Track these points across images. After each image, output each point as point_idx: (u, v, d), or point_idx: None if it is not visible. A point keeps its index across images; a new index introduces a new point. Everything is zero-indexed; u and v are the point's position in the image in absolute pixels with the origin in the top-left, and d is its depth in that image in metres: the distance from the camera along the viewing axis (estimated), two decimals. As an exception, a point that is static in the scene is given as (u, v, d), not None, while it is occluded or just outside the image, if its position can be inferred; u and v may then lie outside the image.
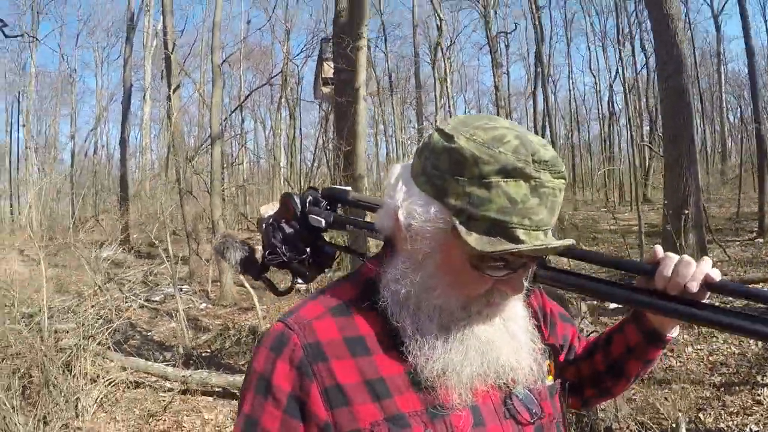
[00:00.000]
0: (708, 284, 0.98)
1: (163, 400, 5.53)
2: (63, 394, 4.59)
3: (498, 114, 30.13)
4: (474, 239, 0.89)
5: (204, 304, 10.55)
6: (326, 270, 1.45)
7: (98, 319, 5.84)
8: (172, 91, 13.98)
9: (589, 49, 37.29)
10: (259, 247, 1.46)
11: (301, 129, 29.74)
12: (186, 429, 5.10)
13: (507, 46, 38.36)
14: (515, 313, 1.04)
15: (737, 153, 34.97)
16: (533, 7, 26.61)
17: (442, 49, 29.50)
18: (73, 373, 4.88)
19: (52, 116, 35.88)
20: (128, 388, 5.60)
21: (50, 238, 12.30)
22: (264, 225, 1.44)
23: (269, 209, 1.48)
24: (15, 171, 32.59)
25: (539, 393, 1.08)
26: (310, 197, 1.42)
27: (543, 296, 1.29)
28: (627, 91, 25.79)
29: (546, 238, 0.91)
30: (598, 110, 37.24)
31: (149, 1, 25.79)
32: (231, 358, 7.06)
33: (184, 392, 5.87)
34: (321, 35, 24.51)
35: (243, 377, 3.98)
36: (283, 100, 28.69)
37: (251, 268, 1.47)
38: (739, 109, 35.97)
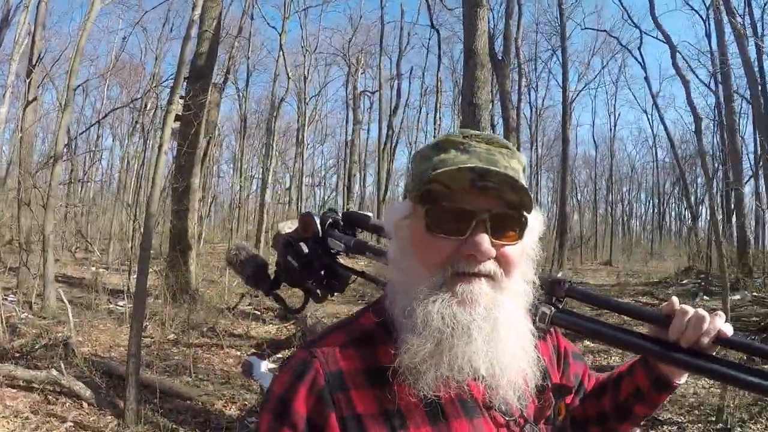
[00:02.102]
0: (719, 339, 1.03)
1: (-30, 388, 6.34)
2: None
3: (351, 169, 32.08)
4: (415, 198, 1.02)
5: (26, 314, 11.02)
6: (336, 293, 1.43)
7: None
8: (25, 104, 14.44)
9: (435, 120, 39.42)
10: (273, 263, 1.47)
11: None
12: (-12, 412, 5.97)
13: (370, 106, 40.64)
14: (506, 308, 1.02)
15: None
16: (392, 73, 28.94)
17: (304, 100, 31.15)
18: None
19: None
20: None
21: None
22: (281, 242, 1.44)
23: (287, 226, 1.47)
24: None
25: None
26: (330, 219, 1.42)
27: (558, 335, 1.32)
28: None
29: (486, 167, 0.98)
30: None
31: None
32: (39, 360, 7.75)
33: (-9, 384, 6.69)
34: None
35: (46, 374, 5.40)
36: (138, 125, 28.82)
37: (262, 282, 1.48)
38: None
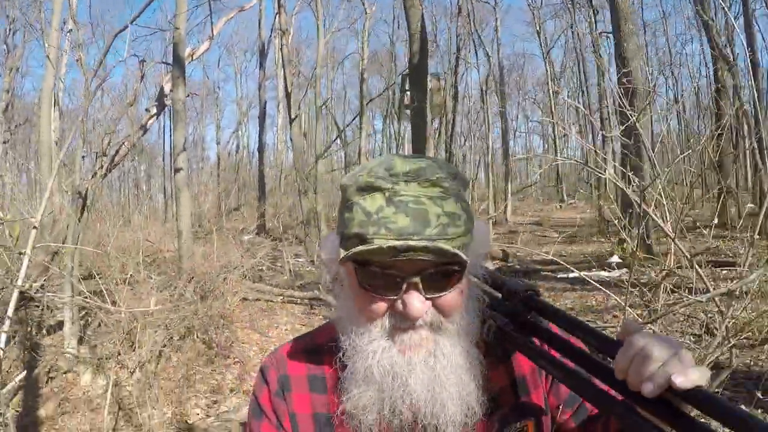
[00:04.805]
0: (672, 390, 0.72)
1: (271, 304, 10.88)
2: (222, 294, 9.87)
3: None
4: (342, 253, 0.96)
5: (309, 268, 15.72)
6: None
7: (240, 265, 11.19)
8: (290, 122, 19.44)
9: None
10: None
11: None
12: (279, 315, 10.36)
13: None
14: (447, 351, 0.98)
15: None
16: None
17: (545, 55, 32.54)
18: (225, 286, 10.17)
19: (197, 121, 41.98)
20: (252, 300, 10.95)
21: (200, 225, 16.84)
22: None
23: None
24: (169, 169, 36.70)
25: None
26: None
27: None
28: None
29: (406, 242, 0.89)
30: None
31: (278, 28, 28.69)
32: (308, 289, 11.95)
33: (282, 302, 11.18)
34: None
35: (311, 293, 10.54)
36: (393, 111, 33.11)
37: None
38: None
